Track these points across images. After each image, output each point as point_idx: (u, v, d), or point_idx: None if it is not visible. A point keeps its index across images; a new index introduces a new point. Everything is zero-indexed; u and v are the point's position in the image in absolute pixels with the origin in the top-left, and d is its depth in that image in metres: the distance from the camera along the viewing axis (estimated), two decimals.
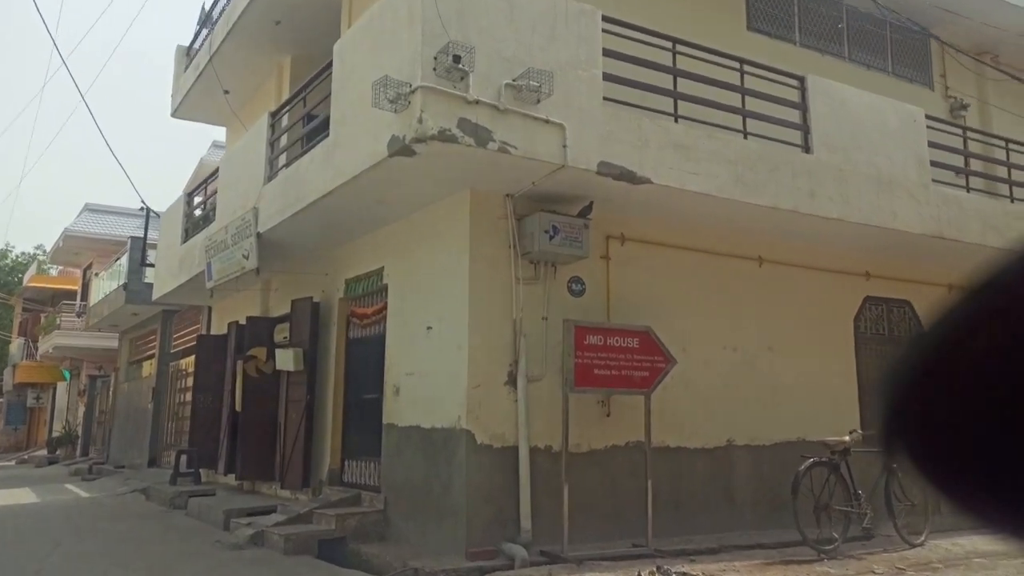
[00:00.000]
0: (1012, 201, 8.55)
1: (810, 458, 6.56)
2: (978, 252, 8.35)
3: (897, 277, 8.74)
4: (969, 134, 8.83)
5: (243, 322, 10.24)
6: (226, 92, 11.82)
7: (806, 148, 7.26)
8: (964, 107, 9.34)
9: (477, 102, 5.66)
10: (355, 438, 8.36)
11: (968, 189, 8.33)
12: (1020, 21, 9.47)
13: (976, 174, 8.54)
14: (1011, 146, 8.81)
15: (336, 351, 8.88)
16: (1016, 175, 8.83)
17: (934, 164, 8.04)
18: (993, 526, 0.52)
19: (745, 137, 7.00)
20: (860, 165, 7.48)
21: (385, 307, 7.96)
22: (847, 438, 6.81)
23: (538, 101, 5.87)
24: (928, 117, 8.20)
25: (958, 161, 8.52)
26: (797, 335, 7.99)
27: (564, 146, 6.02)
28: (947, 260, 8.68)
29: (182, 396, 14.96)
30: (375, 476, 7.70)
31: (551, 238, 6.54)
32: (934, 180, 8.02)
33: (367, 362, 8.23)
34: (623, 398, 6.82)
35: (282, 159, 8.54)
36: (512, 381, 6.49)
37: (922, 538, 6.89)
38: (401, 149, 5.75)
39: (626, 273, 7.20)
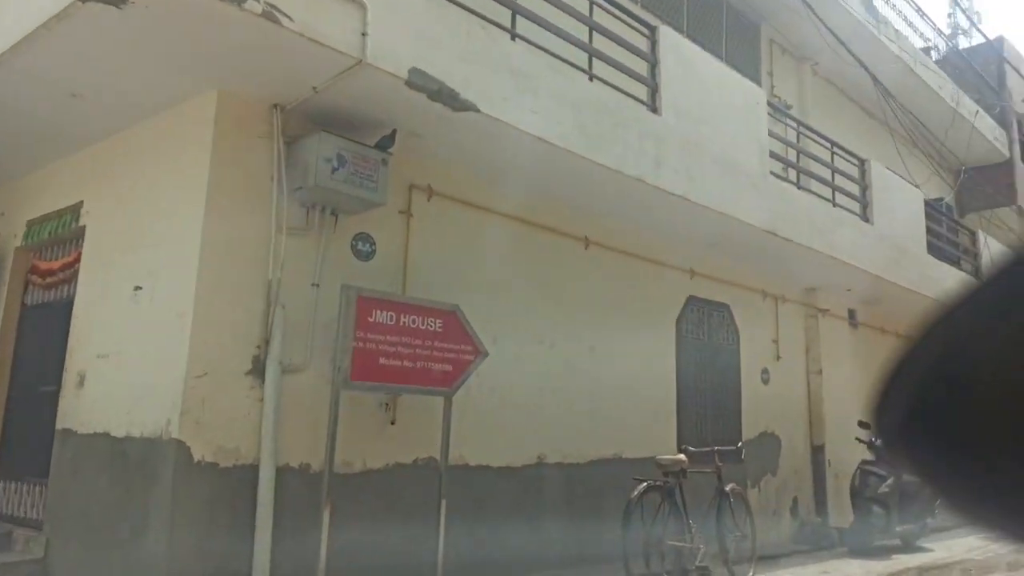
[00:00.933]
0: (834, 206, 8.11)
1: (643, 481, 5.26)
2: (801, 256, 7.76)
3: (719, 278, 7.91)
4: (794, 133, 8.28)
5: None
6: None
7: (653, 108, 6.06)
8: (788, 108, 8.87)
9: None
10: (17, 449, 5.74)
11: (799, 187, 7.72)
12: (841, 27, 9.24)
13: (809, 174, 8.00)
14: (836, 151, 8.41)
15: (3, 322, 6.17)
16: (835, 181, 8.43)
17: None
18: (999, 528, 0.51)
19: (591, 80, 5.61)
20: (706, 140, 6.44)
21: (79, 258, 5.50)
22: (682, 456, 5.63)
23: None
24: (769, 104, 7.46)
25: (787, 156, 7.89)
26: (621, 334, 6.77)
27: (364, 34, 4.17)
28: (768, 263, 8.03)
29: None
30: (38, 506, 5.21)
31: (335, 171, 4.63)
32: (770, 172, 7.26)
33: (48, 339, 5.68)
34: (415, 400, 5.07)
35: None
36: (258, 371, 4.47)
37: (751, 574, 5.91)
38: None
39: (431, 236, 5.48)
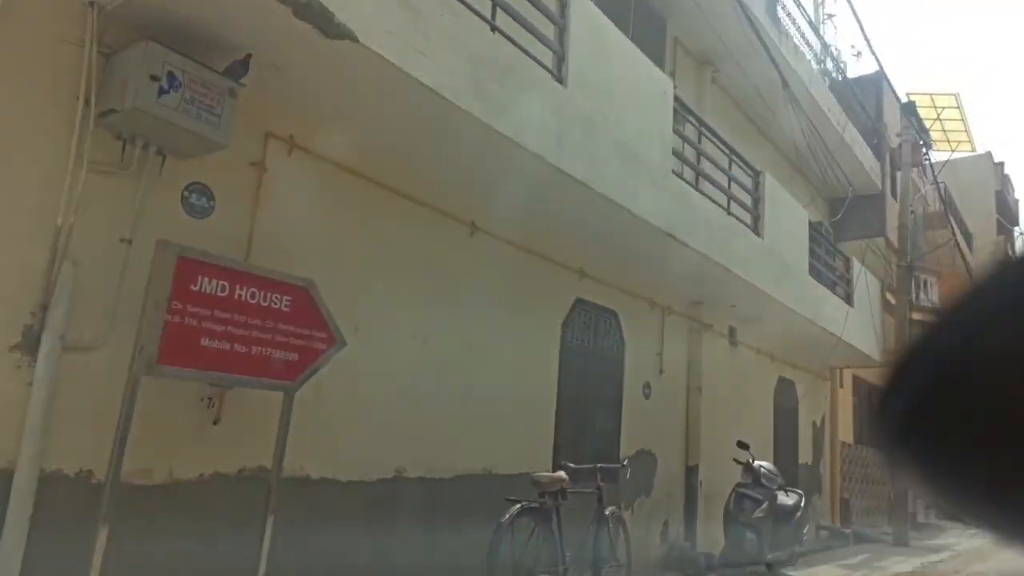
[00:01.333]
0: (728, 213, 7.75)
1: (517, 503, 4.51)
2: (694, 264, 7.33)
3: (609, 282, 7.35)
4: (694, 134, 7.86)
5: None
6: None
7: (559, 77, 5.36)
8: (685, 120, 8.46)
9: None
10: None
11: (698, 191, 7.29)
12: (742, 36, 9.00)
13: (708, 178, 7.59)
14: (734, 159, 8.08)
15: None
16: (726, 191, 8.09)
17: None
18: (1000, 531, 0.50)
19: (493, 32, 4.83)
20: (611, 124, 5.83)
21: None
22: (562, 474, 4.93)
23: None
24: (677, 99, 6.97)
25: (686, 157, 7.44)
26: (503, 333, 6.03)
27: None
28: (659, 270, 7.55)
29: None
30: None
31: (163, 93, 3.58)
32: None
33: None
34: (247, 396, 4.08)
35: None
36: (29, 345, 3.34)
37: None
38: None
39: (289, 198, 4.50)
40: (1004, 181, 33.95)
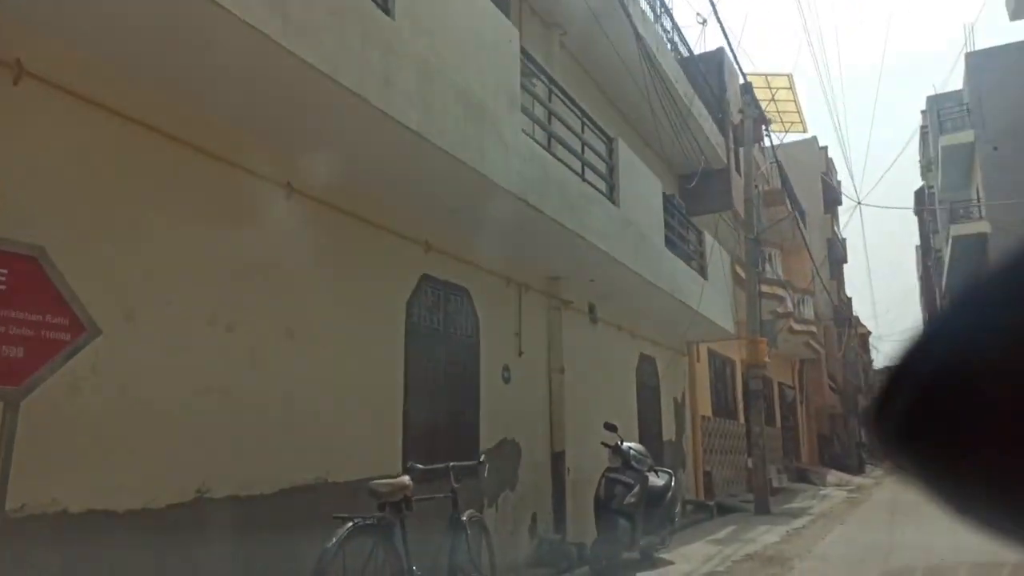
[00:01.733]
0: (583, 180, 7.19)
1: (349, 520, 3.64)
2: (550, 235, 6.72)
3: (459, 256, 6.58)
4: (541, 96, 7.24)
5: None
6: None
7: (385, 8, 4.50)
8: (533, 76, 7.85)
9: None
10: None
11: (551, 154, 6.66)
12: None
13: (561, 141, 6.96)
14: (586, 122, 7.54)
15: None
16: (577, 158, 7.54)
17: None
18: (999, 530, 0.50)
19: None
20: (450, 68, 5.05)
21: None
22: (406, 478, 4.10)
23: None
24: (523, 51, 6.30)
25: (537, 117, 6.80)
26: (334, 315, 5.11)
27: None
28: (513, 242, 6.90)
29: None
30: None
31: None
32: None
33: None
34: None
35: None
36: None
37: None
38: None
39: (16, 138, 3.36)
40: (828, 164, 36.65)
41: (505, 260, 7.26)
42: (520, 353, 7.48)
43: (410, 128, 4.57)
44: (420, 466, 4.38)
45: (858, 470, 26.98)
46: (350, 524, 3.53)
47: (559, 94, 7.07)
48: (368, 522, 3.66)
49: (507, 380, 7.23)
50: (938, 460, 0.51)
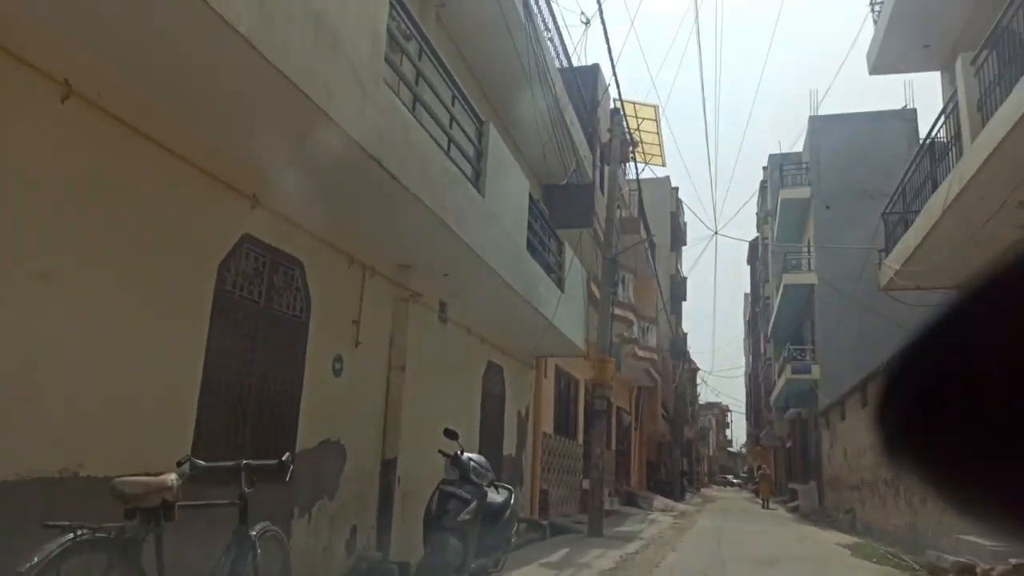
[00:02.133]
0: (448, 157, 6.43)
1: (69, 531, 2.58)
2: (404, 209, 5.89)
3: (294, 220, 5.60)
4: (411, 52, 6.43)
5: None
6: None
7: None
8: (408, 37, 7.04)
9: None
10: None
11: (414, 116, 5.84)
12: None
13: (427, 108, 6.14)
14: (456, 95, 6.80)
15: None
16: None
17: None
18: (999, 527, 0.50)
19: None
20: None
21: None
22: (171, 477, 3.08)
23: None
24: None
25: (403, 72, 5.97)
26: (113, 262, 3.99)
27: None
28: (361, 214, 6.02)
29: None
30: None
31: None
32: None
33: None
34: None
35: None
36: None
37: None
38: None
39: None
40: (678, 204, 38.39)
41: (350, 235, 6.34)
42: (357, 344, 6.56)
43: (239, 32, 3.61)
44: (201, 463, 3.37)
45: (680, 496, 27.96)
46: (69, 536, 2.48)
47: (430, 56, 6.30)
48: (100, 535, 2.62)
49: (338, 372, 6.28)
50: (940, 459, 0.51)
